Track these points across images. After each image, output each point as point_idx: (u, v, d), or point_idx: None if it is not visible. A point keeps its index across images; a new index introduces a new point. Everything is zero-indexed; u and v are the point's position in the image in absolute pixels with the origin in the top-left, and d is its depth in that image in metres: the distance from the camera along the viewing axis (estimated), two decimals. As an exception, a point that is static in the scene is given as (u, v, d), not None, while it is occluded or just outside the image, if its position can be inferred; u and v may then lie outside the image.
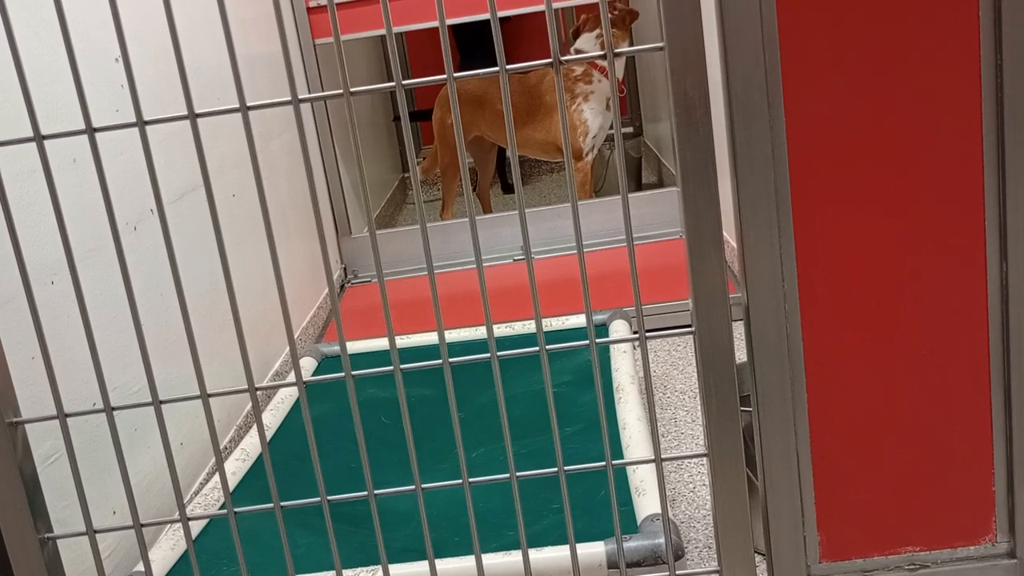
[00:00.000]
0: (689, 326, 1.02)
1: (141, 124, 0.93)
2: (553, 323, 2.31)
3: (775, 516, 1.09)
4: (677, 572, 1.13)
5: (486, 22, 4.59)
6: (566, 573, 1.32)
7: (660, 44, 0.93)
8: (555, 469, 1.03)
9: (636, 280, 0.98)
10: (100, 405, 1.01)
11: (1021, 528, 1.08)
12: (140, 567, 1.47)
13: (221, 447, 2.13)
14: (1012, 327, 1.03)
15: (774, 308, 1.03)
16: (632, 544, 1.33)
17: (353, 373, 0.99)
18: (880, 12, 0.96)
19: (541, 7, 3.02)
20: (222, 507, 1.65)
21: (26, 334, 1.41)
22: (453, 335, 2.30)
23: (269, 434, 1.98)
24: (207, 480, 2.00)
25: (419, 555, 1.38)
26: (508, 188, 4.47)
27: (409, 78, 0.91)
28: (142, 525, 1.04)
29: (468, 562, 1.35)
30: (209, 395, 1.01)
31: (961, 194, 1.01)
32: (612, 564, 1.32)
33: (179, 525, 1.56)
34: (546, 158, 3.84)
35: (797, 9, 0.96)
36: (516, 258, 3.26)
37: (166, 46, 1.99)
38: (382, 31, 3.20)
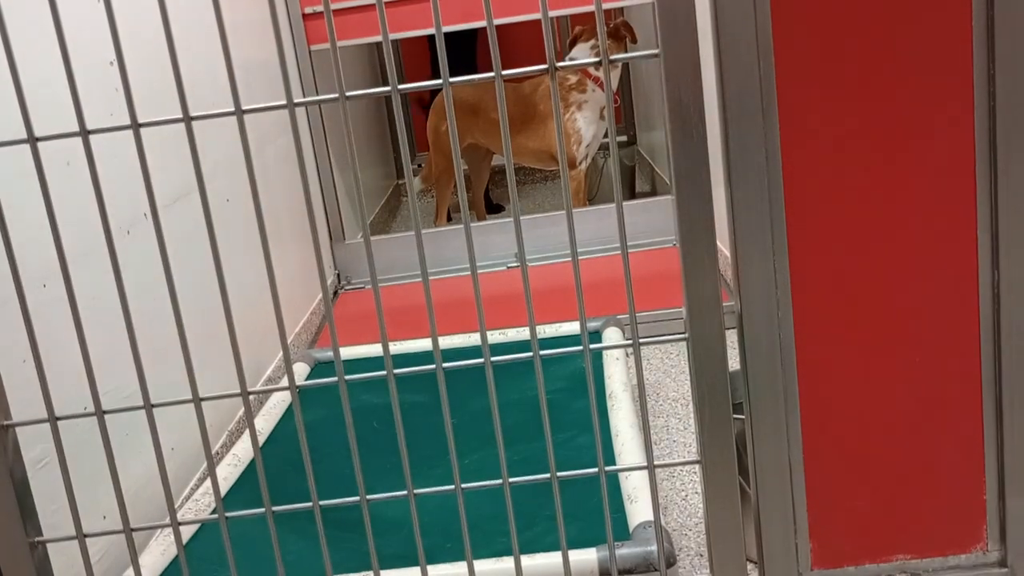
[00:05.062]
0: (682, 334, 1.02)
1: (135, 126, 0.93)
2: (547, 330, 2.31)
3: (767, 524, 1.09)
4: (669, 579, 1.13)
5: (470, 33, 4.62)
6: (558, 580, 1.31)
7: (655, 51, 0.93)
8: (548, 475, 1.03)
9: (630, 287, 0.98)
10: (91, 409, 1.01)
11: (1012, 537, 1.09)
12: (130, 572, 1.47)
13: (212, 452, 2.12)
14: (1003, 336, 1.03)
15: (767, 316, 1.04)
16: (624, 551, 1.33)
17: (346, 377, 0.99)
18: (874, 21, 0.97)
19: (537, 15, 3.03)
20: (213, 512, 1.64)
21: (18, 337, 1.40)
22: (446, 342, 2.30)
23: (261, 440, 1.98)
24: (198, 485, 1.99)
25: (411, 561, 1.38)
26: (492, 208, 4.47)
27: (404, 84, 0.92)
28: (132, 530, 1.03)
29: (460, 568, 1.35)
30: (201, 399, 1.00)
31: (953, 203, 1.01)
32: (604, 571, 1.32)
33: (170, 530, 1.55)
34: (540, 166, 3.84)
35: (791, 17, 0.96)
36: (509, 265, 3.26)
37: (160, 53, 1.98)
38: (377, 38, 3.21)
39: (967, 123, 0.99)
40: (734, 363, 1.04)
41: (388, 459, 1.84)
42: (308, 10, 3.19)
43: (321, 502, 1.02)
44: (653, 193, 4.26)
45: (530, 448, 1.82)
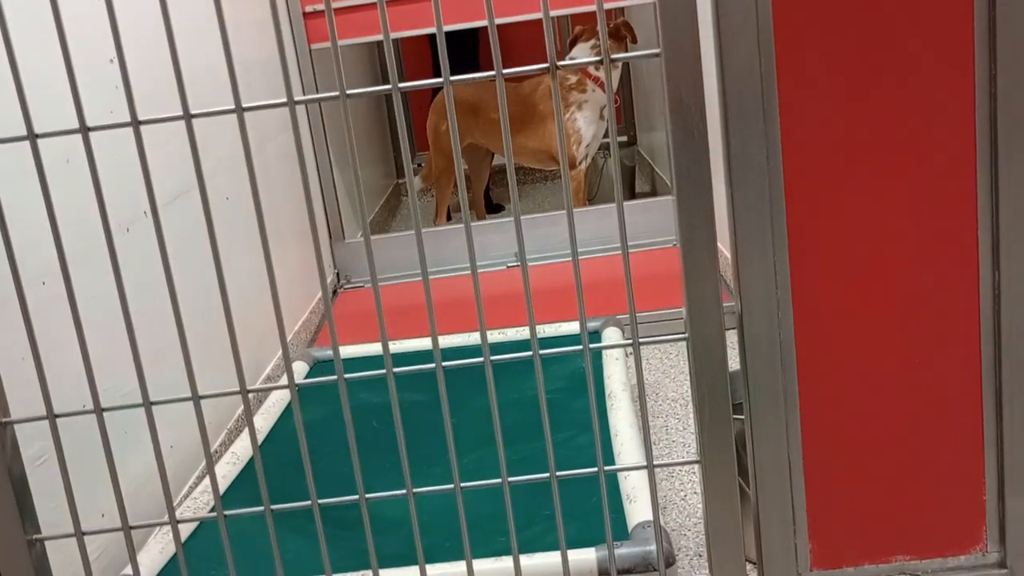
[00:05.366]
0: (682, 334, 1.02)
1: (135, 123, 0.93)
2: (546, 330, 2.31)
3: (766, 524, 1.09)
4: (668, 579, 1.13)
5: (471, 32, 4.61)
6: (557, 580, 1.31)
7: (656, 50, 0.93)
8: (547, 475, 1.03)
9: (630, 287, 0.98)
10: (90, 407, 1.01)
11: (1012, 538, 1.09)
12: (129, 570, 1.47)
13: (211, 450, 2.12)
14: (1004, 336, 1.03)
15: (767, 316, 1.03)
16: (623, 551, 1.32)
17: (345, 376, 0.99)
18: (875, 21, 0.97)
19: (538, 15, 3.03)
20: (212, 510, 1.64)
21: (17, 335, 1.40)
22: (445, 341, 2.30)
23: (260, 438, 1.98)
24: (197, 483, 1.99)
25: (410, 560, 1.38)
26: (492, 208, 4.47)
27: (405, 83, 0.91)
28: (131, 527, 1.03)
29: (459, 567, 1.35)
30: (200, 397, 1.00)
31: (954, 203, 1.01)
32: (603, 571, 1.32)
33: (168, 528, 1.55)
34: (539, 166, 3.84)
35: (793, 17, 0.96)
36: (509, 265, 3.26)
37: (160, 51, 1.98)
38: (378, 36, 3.21)
39: (968, 123, 0.99)
40: (734, 363, 1.04)
41: (387, 458, 1.83)
42: (309, 8, 3.18)
43: (320, 501, 1.02)
44: (653, 193, 4.26)
45: (529, 447, 1.82)
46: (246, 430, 2.10)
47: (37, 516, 1.06)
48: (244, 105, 0.93)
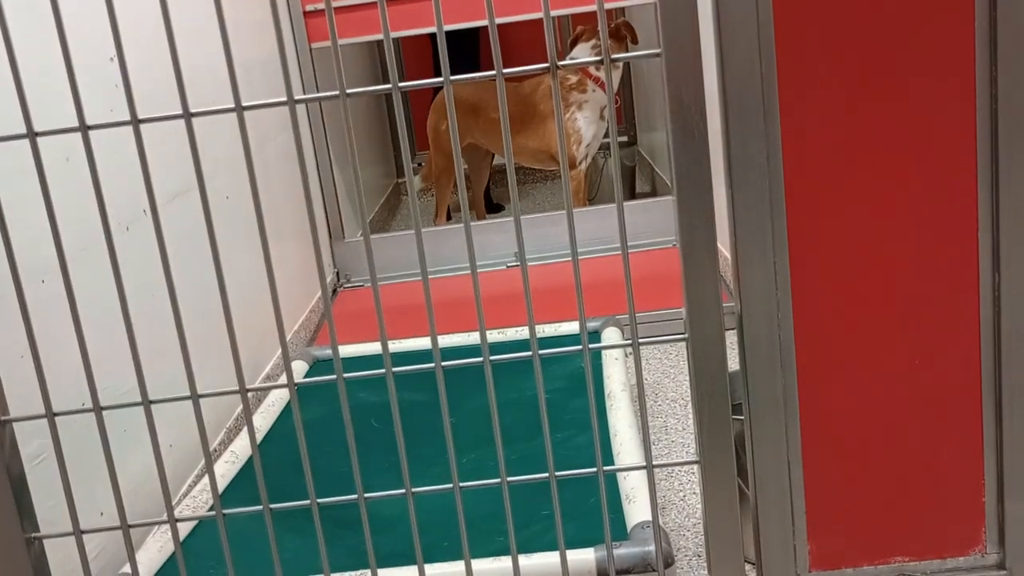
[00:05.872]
0: (682, 334, 1.02)
1: (135, 122, 0.93)
2: (546, 330, 2.31)
3: (765, 525, 1.09)
4: (667, 580, 1.13)
5: (472, 32, 4.60)
6: (555, 580, 1.31)
7: (657, 50, 0.93)
8: (546, 475, 1.02)
9: (630, 287, 0.98)
10: (89, 405, 1.01)
11: (1011, 540, 1.09)
12: (127, 568, 1.47)
13: (210, 449, 2.12)
14: (1004, 337, 1.03)
15: (767, 317, 1.03)
16: (622, 551, 1.32)
17: (344, 375, 0.99)
18: (876, 21, 0.97)
19: (538, 15, 3.03)
20: (211, 509, 1.64)
21: (16, 333, 1.40)
22: (444, 340, 2.29)
23: (259, 437, 1.98)
24: (196, 482, 1.99)
25: (408, 560, 1.38)
26: (492, 208, 4.46)
27: (405, 82, 0.92)
28: (130, 526, 1.03)
29: (457, 567, 1.35)
30: (199, 396, 1.00)
31: (955, 204, 1.01)
32: (602, 571, 1.32)
33: (167, 527, 1.55)
34: (539, 166, 3.84)
35: (794, 18, 0.96)
36: (509, 265, 3.26)
37: (161, 49, 1.98)
38: (378, 36, 3.20)
39: (969, 124, 0.99)
40: (734, 363, 1.04)
41: (386, 457, 1.83)
42: (309, 8, 3.18)
43: (319, 500, 1.02)
44: (653, 193, 4.26)
45: (528, 447, 1.82)
46: (245, 429, 2.10)
47: (36, 514, 1.06)
48: (244, 104, 0.92)
